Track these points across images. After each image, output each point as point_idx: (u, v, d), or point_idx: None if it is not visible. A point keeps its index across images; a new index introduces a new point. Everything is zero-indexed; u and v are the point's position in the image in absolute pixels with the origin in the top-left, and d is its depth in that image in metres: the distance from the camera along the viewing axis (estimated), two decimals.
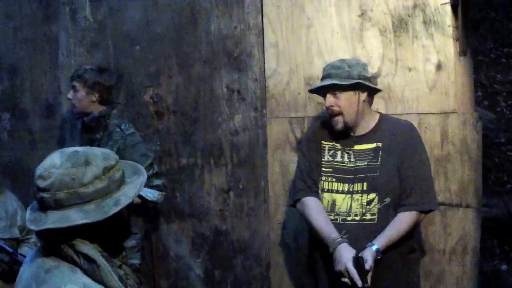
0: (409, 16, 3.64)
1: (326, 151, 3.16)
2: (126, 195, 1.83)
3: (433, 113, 3.66)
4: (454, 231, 3.70)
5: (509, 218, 5.34)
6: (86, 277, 1.79)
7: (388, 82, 3.69)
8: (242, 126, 3.97)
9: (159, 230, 4.12)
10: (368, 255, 2.83)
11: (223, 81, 3.99)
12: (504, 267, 5.13)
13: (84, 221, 1.73)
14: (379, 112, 3.23)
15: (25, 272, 1.86)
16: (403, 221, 2.98)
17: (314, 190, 3.14)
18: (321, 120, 3.27)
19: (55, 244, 1.79)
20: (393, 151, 3.03)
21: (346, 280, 2.83)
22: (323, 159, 3.15)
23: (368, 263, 2.80)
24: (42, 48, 4.30)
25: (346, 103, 3.01)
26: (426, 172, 3.10)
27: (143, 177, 1.92)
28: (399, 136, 3.06)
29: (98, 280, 1.79)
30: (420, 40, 3.67)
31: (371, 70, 3.67)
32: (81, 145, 3.57)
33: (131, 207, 1.91)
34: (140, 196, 3.61)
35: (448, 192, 3.64)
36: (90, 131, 3.72)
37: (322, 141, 3.18)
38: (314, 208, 3.08)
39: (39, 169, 1.79)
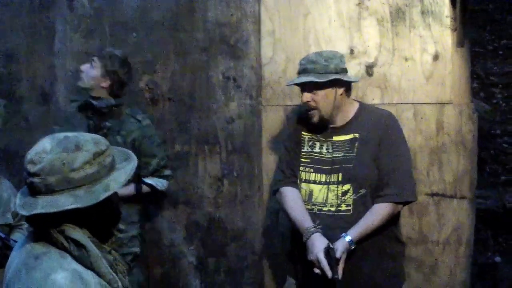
0: (406, 6, 3.64)
1: (306, 142, 3.17)
2: (116, 181, 1.84)
3: (429, 103, 3.66)
4: (448, 222, 3.71)
5: (504, 210, 5.35)
6: (76, 263, 1.81)
7: (385, 72, 3.69)
8: (238, 114, 3.97)
9: (152, 217, 4.11)
10: (340, 246, 2.83)
11: (219, 68, 3.98)
12: (498, 259, 5.14)
13: (74, 206, 1.74)
14: (358, 101, 3.22)
15: (15, 258, 1.87)
16: (378, 212, 2.96)
17: (293, 181, 3.17)
18: (301, 111, 3.27)
19: (44, 229, 1.81)
20: (370, 142, 3.01)
21: (317, 271, 2.85)
22: (302, 150, 3.16)
23: (338, 254, 2.80)
24: (39, 35, 4.28)
25: (322, 98, 3.01)
26: (404, 163, 3.06)
27: (134, 163, 1.93)
28: (376, 126, 3.04)
29: (88, 265, 1.81)
30: (417, 30, 3.67)
31: (368, 60, 3.69)
32: (89, 132, 3.55)
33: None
34: (150, 186, 3.67)
35: (442, 182, 3.64)
36: (99, 117, 3.66)
37: (303, 132, 3.19)
38: (290, 198, 3.12)
39: (30, 154, 1.80)
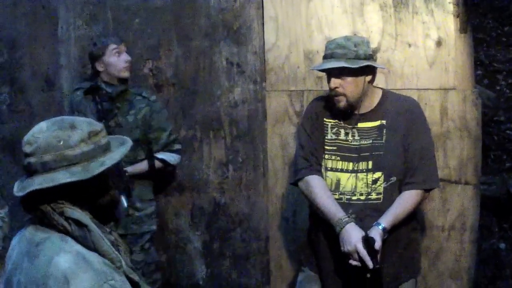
0: None
1: (329, 129, 3.07)
2: (112, 158, 1.85)
3: (433, 89, 3.67)
4: (453, 208, 3.72)
5: (508, 196, 5.34)
6: (78, 244, 1.80)
7: (388, 57, 3.69)
8: (242, 99, 3.97)
9: (158, 202, 4.12)
10: (376, 235, 2.76)
11: (222, 54, 3.98)
12: (502, 245, 5.14)
13: (70, 180, 1.75)
14: (381, 88, 3.14)
15: (15, 249, 1.87)
16: (409, 199, 2.93)
17: (317, 169, 3.05)
18: (322, 97, 3.20)
19: (43, 213, 1.80)
20: (397, 129, 2.96)
21: (355, 263, 2.76)
22: (326, 137, 3.06)
23: (378, 243, 2.74)
24: (41, 22, 4.27)
25: (351, 85, 2.91)
26: (430, 150, 3.04)
27: (128, 144, 1.94)
28: (403, 114, 2.99)
29: (90, 246, 1.80)
30: (420, 16, 3.67)
31: (371, 45, 3.67)
32: (99, 116, 3.63)
33: (122, 176, 1.93)
34: (162, 160, 3.72)
35: (447, 168, 3.65)
36: (112, 99, 3.69)
37: (325, 119, 3.08)
38: (318, 187, 2.98)
39: (26, 137, 1.81)
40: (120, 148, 1.90)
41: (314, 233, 3.17)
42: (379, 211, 2.90)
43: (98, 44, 3.70)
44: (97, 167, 1.79)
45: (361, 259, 2.73)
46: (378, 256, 2.74)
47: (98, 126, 1.87)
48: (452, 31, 3.64)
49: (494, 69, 6.28)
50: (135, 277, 1.88)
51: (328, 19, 3.79)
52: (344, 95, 2.92)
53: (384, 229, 2.81)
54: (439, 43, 3.66)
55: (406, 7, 3.69)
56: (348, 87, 2.91)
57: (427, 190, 3.00)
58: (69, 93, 4.12)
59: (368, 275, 2.75)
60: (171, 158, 3.78)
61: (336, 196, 2.97)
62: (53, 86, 4.28)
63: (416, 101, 3.17)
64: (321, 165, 3.06)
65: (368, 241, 2.74)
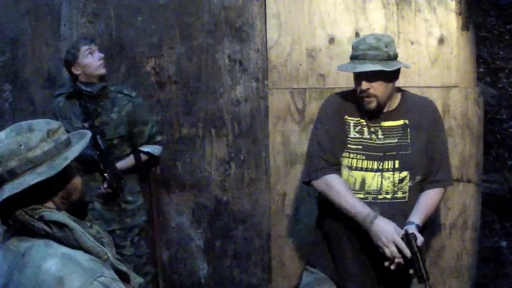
0: None
1: (352, 127, 3.02)
2: (73, 151, 1.86)
3: (435, 87, 3.67)
4: (455, 206, 3.73)
5: (510, 194, 5.35)
6: (62, 246, 1.81)
7: None
8: (244, 97, 3.97)
9: (159, 200, 4.12)
10: (416, 232, 2.76)
11: (225, 51, 3.97)
12: (504, 243, 5.14)
13: (37, 180, 1.75)
14: (398, 88, 3.11)
15: (2, 264, 1.86)
16: (434, 197, 2.97)
17: (337, 169, 3.00)
18: (341, 93, 3.14)
19: (22, 222, 1.80)
20: (420, 128, 2.97)
21: (398, 256, 2.72)
22: (349, 136, 3.00)
23: (420, 239, 2.74)
24: (44, 19, 4.26)
25: (383, 87, 2.89)
26: (447, 149, 3.10)
27: (88, 136, 1.96)
28: (424, 113, 3.00)
29: (74, 245, 1.81)
30: (422, 13, 3.67)
31: None
32: (86, 116, 3.71)
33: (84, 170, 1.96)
34: (147, 153, 3.81)
35: None
36: (95, 99, 3.73)
37: (346, 116, 3.03)
38: (341, 186, 2.92)
39: None
40: (80, 141, 1.92)
41: (329, 233, 3.11)
42: (404, 209, 2.92)
43: (70, 50, 3.76)
44: (61, 163, 1.80)
45: (399, 251, 2.71)
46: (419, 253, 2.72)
47: (56, 124, 1.89)
48: (454, 29, 3.65)
49: (496, 67, 6.28)
50: (123, 267, 1.90)
51: (331, 17, 3.78)
52: (375, 96, 2.90)
53: (418, 227, 2.82)
54: (441, 40, 3.66)
55: (408, 4, 3.69)
56: (380, 88, 2.89)
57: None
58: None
59: (411, 271, 2.72)
60: (155, 150, 3.86)
61: (361, 195, 2.96)
62: (56, 84, 4.28)
63: (433, 101, 3.18)
64: (340, 164, 3.01)
65: (408, 238, 2.72)
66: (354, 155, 2.99)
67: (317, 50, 3.81)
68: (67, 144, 1.88)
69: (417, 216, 2.87)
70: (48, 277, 1.71)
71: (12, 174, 1.77)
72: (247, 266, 4.08)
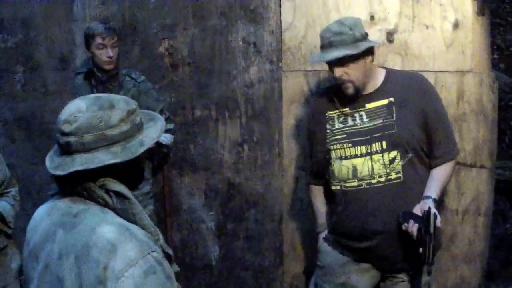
0: None
1: (336, 119, 3.03)
2: (149, 137, 1.87)
3: (450, 72, 3.64)
4: (467, 192, 3.70)
5: None
6: (119, 217, 1.80)
7: (405, 39, 3.66)
8: (258, 79, 3.95)
9: (172, 182, 4.12)
10: (433, 209, 2.73)
11: (239, 33, 3.95)
12: None
13: (114, 161, 1.76)
14: (384, 67, 3.11)
15: (43, 222, 1.86)
16: (446, 171, 2.97)
17: (319, 178, 3.22)
18: (322, 91, 3.20)
19: (82, 187, 1.80)
20: (408, 105, 2.93)
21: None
22: (333, 128, 3.03)
23: (439, 220, 2.71)
24: (56, 0, 4.26)
25: (356, 70, 2.88)
26: (447, 118, 3.07)
27: (161, 121, 1.96)
28: (411, 89, 2.97)
29: (130, 219, 1.81)
30: None
31: (388, 26, 3.66)
32: None
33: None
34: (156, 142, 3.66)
35: (462, 151, 3.61)
36: (104, 83, 3.79)
37: (328, 112, 3.06)
38: (317, 196, 3.30)
39: (64, 115, 1.80)
40: (155, 125, 1.93)
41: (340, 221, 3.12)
42: (401, 190, 2.89)
43: (88, 32, 3.75)
44: (137, 147, 1.82)
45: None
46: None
47: (134, 104, 1.89)
48: (469, 13, 3.61)
49: (510, 53, 6.24)
50: (170, 251, 1.89)
51: (345, 0, 3.76)
52: (351, 81, 2.90)
53: (435, 201, 2.81)
54: (456, 25, 3.63)
55: None
56: (353, 72, 2.88)
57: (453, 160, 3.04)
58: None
59: (421, 250, 2.69)
60: (164, 138, 3.79)
61: (355, 183, 2.95)
62: (68, 65, 4.29)
63: (421, 75, 3.15)
64: (323, 174, 3.15)
65: (429, 217, 2.68)
66: (341, 145, 2.99)
67: None
68: (140, 126, 1.88)
69: (433, 190, 2.86)
70: (102, 240, 1.70)
71: (86, 147, 1.77)
72: (259, 249, 4.08)
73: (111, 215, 1.79)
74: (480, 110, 3.66)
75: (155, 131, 1.90)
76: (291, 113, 3.87)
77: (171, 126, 3.84)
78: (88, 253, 1.69)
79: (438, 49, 3.64)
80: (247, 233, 4.09)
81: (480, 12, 3.68)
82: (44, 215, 1.88)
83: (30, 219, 1.96)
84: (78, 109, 1.78)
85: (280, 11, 3.86)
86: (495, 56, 5.99)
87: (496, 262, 4.64)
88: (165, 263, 1.78)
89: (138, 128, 1.86)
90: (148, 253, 1.72)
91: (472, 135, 3.65)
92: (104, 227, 1.73)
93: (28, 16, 4.37)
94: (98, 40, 3.70)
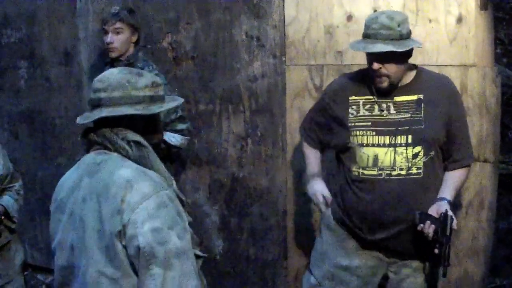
0: None
1: (361, 106, 3.01)
2: (169, 105, 2.15)
3: (453, 66, 3.65)
4: (471, 186, 3.70)
5: None
6: (137, 164, 2.04)
7: None
8: (261, 73, 3.95)
9: (175, 176, 4.11)
10: (449, 210, 2.77)
11: (242, 27, 3.95)
12: None
13: (136, 112, 2.03)
14: (413, 64, 3.07)
15: (72, 175, 2.12)
16: (460, 176, 3.00)
17: (313, 140, 3.29)
18: (351, 75, 3.15)
19: (105, 138, 2.06)
20: (436, 104, 2.93)
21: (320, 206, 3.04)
22: (358, 114, 3.00)
23: (455, 222, 2.74)
24: None
25: (396, 66, 2.86)
26: (467, 126, 3.09)
27: (181, 100, 2.26)
28: (440, 90, 2.97)
29: (147, 166, 2.05)
30: None
31: None
32: None
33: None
34: (164, 141, 3.58)
35: None
36: None
37: (353, 97, 3.03)
38: (310, 153, 3.31)
39: (98, 77, 2.10)
40: (174, 101, 2.20)
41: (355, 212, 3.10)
42: (420, 186, 2.90)
43: (104, 18, 3.71)
44: (157, 108, 2.08)
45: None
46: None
47: (160, 80, 2.19)
48: (473, 8, 3.62)
49: None
50: (182, 197, 2.12)
51: None
52: (387, 76, 2.87)
53: (449, 203, 2.84)
54: (459, 19, 3.63)
55: None
56: (392, 68, 2.85)
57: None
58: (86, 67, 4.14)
59: (436, 251, 2.72)
60: (173, 138, 3.61)
61: (375, 172, 2.95)
62: (72, 60, 4.30)
63: (449, 78, 3.16)
64: (315, 140, 3.27)
65: (445, 219, 2.71)
66: (364, 131, 2.98)
67: (334, 27, 3.78)
68: (163, 99, 2.14)
69: (448, 192, 2.90)
70: (120, 179, 1.96)
71: (113, 102, 2.03)
72: (263, 243, 4.08)
73: (129, 162, 2.04)
74: (483, 104, 3.67)
75: (174, 102, 2.19)
76: (294, 107, 3.88)
77: (183, 126, 3.66)
78: (107, 191, 1.95)
79: (441, 43, 3.64)
80: (251, 227, 4.09)
81: (483, 6, 3.69)
82: (72, 170, 2.15)
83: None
84: (111, 72, 2.10)
85: (284, 5, 3.86)
86: (498, 50, 5.97)
87: (500, 257, 4.64)
88: (177, 201, 2.02)
89: (160, 99, 2.12)
90: (161, 190, 1.96)
91: (475, 129, 3.65)
92: (122, 170, 1.98)
93: (32, 11, 4.38)
94: (103, 25, 3.66)
